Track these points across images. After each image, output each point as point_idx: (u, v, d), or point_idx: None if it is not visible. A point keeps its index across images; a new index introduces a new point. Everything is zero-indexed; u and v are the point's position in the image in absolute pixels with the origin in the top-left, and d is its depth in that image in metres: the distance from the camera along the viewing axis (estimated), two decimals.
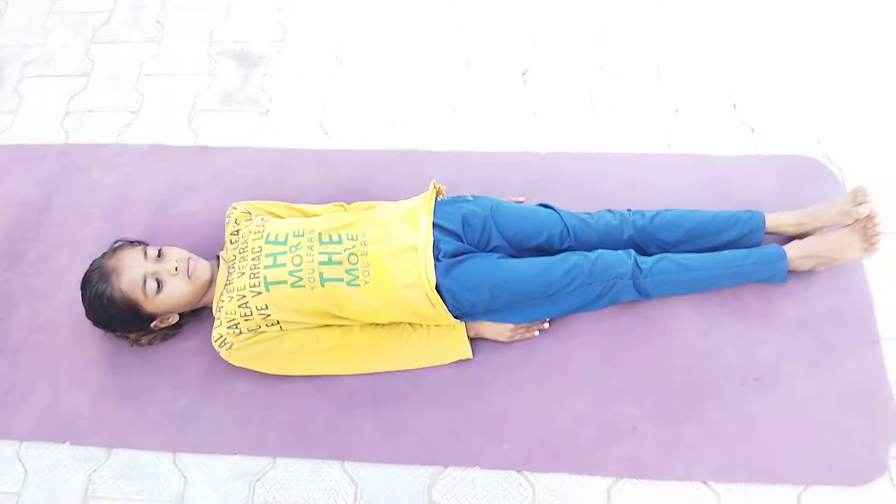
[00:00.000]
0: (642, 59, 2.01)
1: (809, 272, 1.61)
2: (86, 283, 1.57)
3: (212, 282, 1.64)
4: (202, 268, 1.62)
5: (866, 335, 1.56)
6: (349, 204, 1.76)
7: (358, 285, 1.50)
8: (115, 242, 1.64)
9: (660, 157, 1.84)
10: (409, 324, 1.60)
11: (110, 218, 1.86)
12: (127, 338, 1.64)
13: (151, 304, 1.56)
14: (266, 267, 1.52)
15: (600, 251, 1.57)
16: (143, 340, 1.65)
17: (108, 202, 1.89)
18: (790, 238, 1.62)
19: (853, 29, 2.00)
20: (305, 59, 2.09)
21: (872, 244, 1.48)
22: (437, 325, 1.59)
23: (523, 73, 2.01)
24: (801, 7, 2.06)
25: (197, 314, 1.70)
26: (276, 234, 1.57)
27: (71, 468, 1.56)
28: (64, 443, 1.59)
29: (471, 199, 1.66)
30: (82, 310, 1.58)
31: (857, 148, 1.82)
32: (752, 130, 1.87)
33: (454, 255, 1.55)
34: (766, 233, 1.62)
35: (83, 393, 1.63)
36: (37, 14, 2.24)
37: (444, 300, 1.52)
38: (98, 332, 1.66)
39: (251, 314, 1.51)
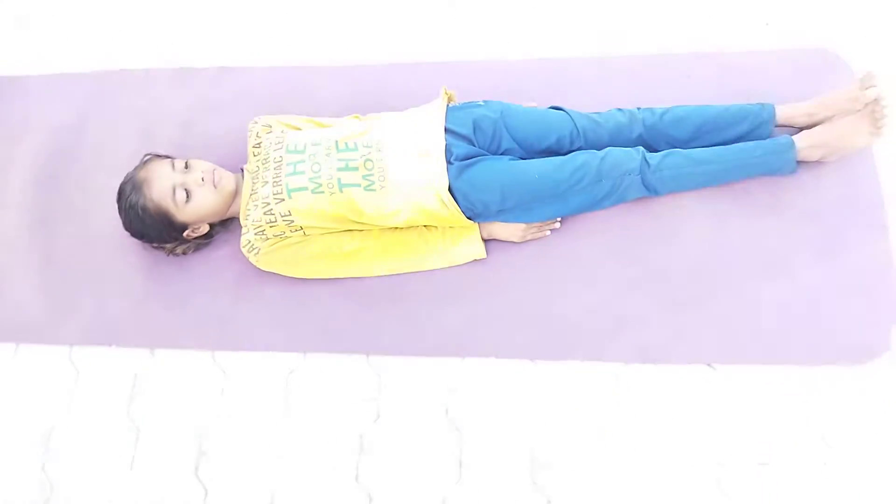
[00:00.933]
0: None
1: (820, 163, 1.61)
2: (120, 195, 1.66)
3: (237, 193, 1.71)
4: (227, 178, 1.70)
5: (874, 222, 1.57)
6: (364, 115, 1.81)
7: (374, 190, 1.56)
8: (145, 156, 1.71)
9: (673, 57, 1.83)
10: (426, 227, 1.66)
11: (142, 138, 1.94)
12: (163, 248, 1.74)
13: (182, 213, 1.64)
14: (287, 175, 1.58)
15: (609, 149, 1.59)
16: (179, 250, 1.75)
17: (139, 123, 1.97)
18: (802, 130, 1.61)
19: None
20: None
21: (880, 127, 1.47)
22: (451, 227, 1.65)
23: None
24: None
25: (226, 225, 1.79)
26: (296, 144, 1.62)
27: (118, 368, 1.69)
28: (110, 346, 1.71)
29: (482, 103, 1.69)
30: (120, 223, 1.68)
31: (872, 41, 1.78)
32: (767, 24, 1.84)
33: (466, 159, 1.59)
34: (779, 125, 1.62)
35: (125, 300, 1.75)
36: None
37: (456, 201, 1.57)
38: (137, 244, 1.77)
39: (276, 220, 1.59)
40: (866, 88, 1.47)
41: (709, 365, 1.51)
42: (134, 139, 1.94)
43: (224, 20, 2.11)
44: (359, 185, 1.56)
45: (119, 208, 1.66)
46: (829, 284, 1.52)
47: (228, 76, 2.00)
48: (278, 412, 1.59)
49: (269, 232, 1.61)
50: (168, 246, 1.73)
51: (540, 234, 1.66)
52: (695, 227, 1.61)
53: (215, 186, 1.66)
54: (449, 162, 1.58)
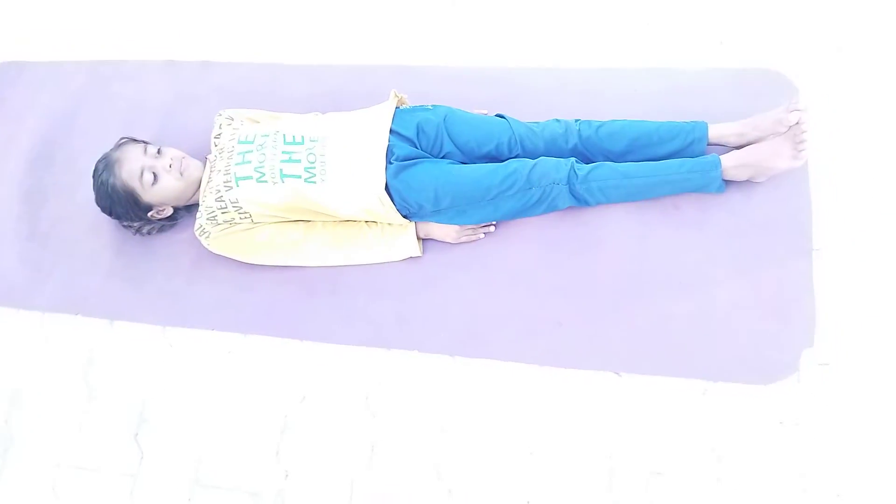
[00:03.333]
0: None
1: (751, 183, 1.60)
2: (94, 172, 1.75)
3: (202, 182, 1.81)
4: (194, 166, 1.78)
5: (798, 245, 1.55)
6: (324, 114, 1.87)
7: (315, 182, 1.62)
8: (121, 139, 1.81)
9: (623, 71, 1.83)
10: (366, 223, 1.72)
11: (126, 126, 2.04)
12: (131, 227, 1.84)
13: (147, 194, 1.73)
14: (236, 164, 1.66)
15: (541, 158, 1.61)
16: (144, 230, 1.84)
17: (124, 111, 2.08)
18: (735, 149, 1.61)
19: None
20: None
21: (800, 151, 1.46)
22: (390, 225, 1.70)
23: None
24: None
25: (190, 210, 1.87)
26: (246, 135, 1.70)
27: (80, 336, 1.80)
28: (76, 315, 1.83)
29: (430, 108, 1.73)
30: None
31: (821, 63, 1.75)
32: (721, 43, 1.83)
33: (406, 159, 1.64)
34: (712, 143, 1.62)
35: (94, 274, 1.85)
36: None
37: (392, 200, 1.62)
38: (111, 223, 1.88)
39: (226, 207, 1.67)
40: (790, 112, 1.46)
41: (616, 373, 1.52)
42: (119, 125, 2.04)
43: (212, 16, 2.21)
44: (300, 177, 1.62)
45: (93, 184, 1.76)
46: (744, 304, 1.51)
47: (210, 70, 2.09)
48: (214, 387, 1.68)
49: (220, 218, 1.69)
50: (135, 225, 1.83)
51: (474, 237, 1.69)
52: (620, 238, 1.62)
53: (181, 173, 1.75)
54: (389, 162, 1.63)
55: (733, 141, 1.59)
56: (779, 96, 1.70)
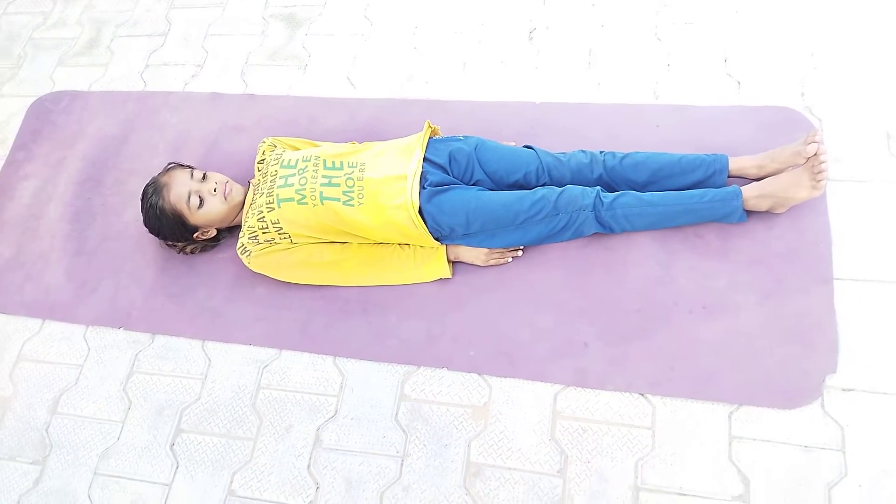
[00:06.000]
0: (641, 18, 2.03)
1: (771, 214, 1.62)
2: (143, 195, 1.80)
3: (245, 204, 1.85)
4: (237, 191, 1.83)
5: (819, 274, 1.55)
6: (360, 143, 1.92)
7: (353, 205, 1.65)
8: (168, 164, 1.87)
9: (645, 108, 1.87)
10: (399, 245, 1.75)
11: (173, 152, 2.11)
12: (175, 247, 1.88)
13: (194, 216, 1.78)
14: (279, 187, 1.70)
15: (568, 186, 1.64)
16: (188, 249, 1.88)
17: (172, 139, 2.14)
18: (754, 181, 1.63)
19: None
20: (342, 21, 2.26)
21: (818, 181, 1.48)
22: (422, 247, 1.73)
23: (530, 32, 2.08)
24: None
25: (232, 231, 1.91)
26: (289, 160, 1.75)
27: (122, 349, 1.82)
28: (119, 328, 1.85)
29: (461, 138, 1.77)
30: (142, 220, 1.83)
31: (838, 101, 1.77)
32: (739, 84, 1.86)
33: (439, 185, 1.68)
34: (732, 176, 1.64)
35: (138, 289, 1.88)
36: None
37: (425, 222, 1.65)
38: (154, 242, 1.92)
39: (267, 228, 1.70)
40: (808, 144, 1.48)
41: (642, 395, 1.51)
42: (166, 152, 2.11)
43: (254, 50, 2.29)
44: (338, 200, 1.66)
45: (141, 207, 1.81)
46: (767, 330, 1.51)
47: (253, 103, 2.16)
48: (249, 400, 1.68)
49: (262, 237, 1.72)
50: (179, 245, 1.87)
51: (502, 260, 1.71)
52: (645, 264, 1.63)
53: (225, 197, 1.80)
54: (423, 187, 1.66)
55: (753, 173, 1.61)
56: (795, 132, 1.73)
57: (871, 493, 1.35)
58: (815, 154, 1.46)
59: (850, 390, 1.44)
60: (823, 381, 1.45)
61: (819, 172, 1.46)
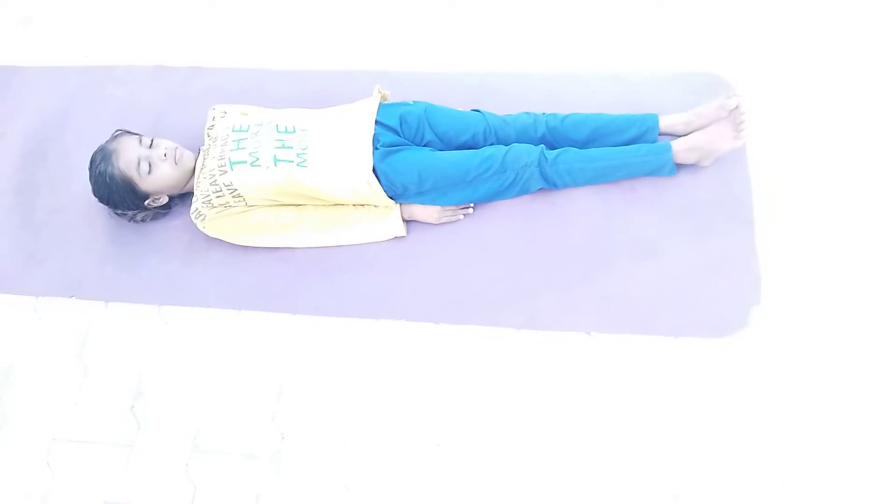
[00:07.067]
0: None
1: (699, 167, 1.75)
2: (91, 163, 1.78)
3: (195, 170, 1.85)
4: (188, 156, 1.83)
5: (741, 216, 1.69)
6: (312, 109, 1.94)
7: (306, 167, 1.69)
8: (116, 131, 1.85)
9: (581, 75, 1.99)
10: (354, 206, 1.79)
11: (118, 125, 2.07)
12: (125, 215, 1.86)
13: (144, 183, 1.77)
14: (231, 150, 1.71)
15: (514, 144, 1.73)
16: (139, 217, 1.86)
17: (117, 112, 2.11)
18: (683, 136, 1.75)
19: None
20: None
21: (740, 131, 1.62)
22: (376, 207, 1.78)
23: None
24: None
25: (184, 199, 1.91)
26: (241, 124, 1.76)
27: (75, 317, 1.79)
28: (71, 297, 1.82)
29: (411, 103, 1.84)
30: (91, 193, 1.80)
31: (759, 67, 1.94)
32: (665, 50, 2.00)
33: (391, 146, 1.73)
34: (662, 133, 1.77)
35: (88, 260, 1.85)
36: None
37: (379, 182, 1.70)
38: (103, 212, 1.89)
39: (221, 191, 1.71)
40: (730, 98, 1.62)
41: (587, 333, 1.62)
42: (112, 125, 2.06)
43: (200, 23, 2.28)
44: (291, 162, 1.68)
45: (90, 175, 1.78)
46: (697, 268, 1.64)
47: (199, 75, 2.15)
48: (210, 360, 1.69)
49: (215, 201, 1.73)
50: (130, 213, 1.85)
51: (454, 218, 1.78)
52: (585, 216, 1.73)
53: (176, 162, 1.79)
54: (375, 147, 1.71)
55: (681, 129, 1.74)
56: (717, 94, 1.87)
57: (803, 416, 1.49)
58: (736, 107, 1.60)
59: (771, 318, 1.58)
60: (749, 311, 1.59)
61: (740, 123, 1.60)
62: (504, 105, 1.93)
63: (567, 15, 2.12)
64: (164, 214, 1.90)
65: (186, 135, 2.00)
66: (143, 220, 1.88)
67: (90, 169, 1.78)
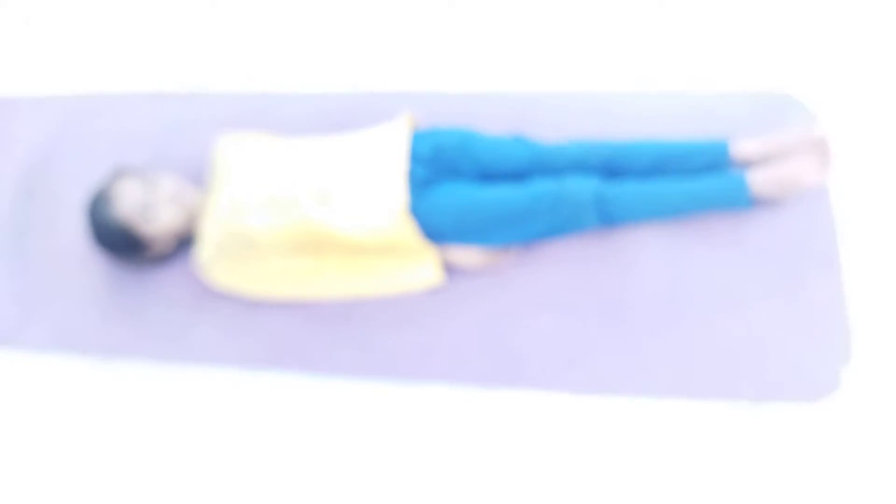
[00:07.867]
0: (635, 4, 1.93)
1: (777, 200, 1.54)
2: (90, 208, 1.56)
3: (200, 210, 1.63)
4: (192, 196, 1.62)
5: (827, 259, 1.48)
6: (329, 138, 1.72)
7: (329, 207, 1.47)
8: (114, 171, 1.62)
9: (638, 95, 1.76)
10: (382, 250, 1.57)
11: (115, 157, 1.85)
12: (126, 260, 1.64)
13: (147, 227, 1.55)
14: (242, 192, 1.50)
15: (566, 178, 1.52)
16: (141, 263, 1.65)
17: (113, 142, 1.88)
18: (756, 166, 1.54)
19: None
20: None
21: (826, 166, 1.41)
22: (410, 252, 1.56)
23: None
24: None
25: (189, 242, 1.70)
26: (252, 158, 1.55)
27: (74, 376, 1.58)
28: (69, 352, 1.59)
29: (446, 130, 1.62)
30: (87, 234, 1.58)
31: (836, 88, 1.72)
32: (736, 68, 1.78)
33: (426, 181, 1.52)
34: (734, 163, 1.56)
35: (86, 309, 1.64)
36: None
37: (415, 222, 1.49)
38: (100, 257, 1.68)
39: (230, 237, 1.50)
40: (814, 128, 1.41)
41: (659, 398, 1.41)
42: (107, 158, 1.85)
43: (200, 46, 2.05)
44: (311, 202, 1.47)
45: (89, 220, 1.57)
46: (782, 322, 1.43)
47: (200, 101, 1.92)
48: (221, 425, 1.48)
49: (225, 249, 1.52)
50: (131, 259, 1.63)
51: (498, 263, 1.57)
52: (651, 259, 1.52)
53: (180, 204, 1.58)
54: (409, 184, 1.50)
55: (756, 159, 1.53)
56: (790, 118, 1.65)
57: None
58: (823, 137, 1.39)
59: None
60: (839, 371, 1.38)
61: (825, 156, 1.39)
62: (548, 129, 1.72)
63: (617, 26, 1.89)
64: (169, 259, 1.68)
65: (189, 167, 1.78)
66: (146, 266, 1.66)
67: (87, 215, 1.57)
